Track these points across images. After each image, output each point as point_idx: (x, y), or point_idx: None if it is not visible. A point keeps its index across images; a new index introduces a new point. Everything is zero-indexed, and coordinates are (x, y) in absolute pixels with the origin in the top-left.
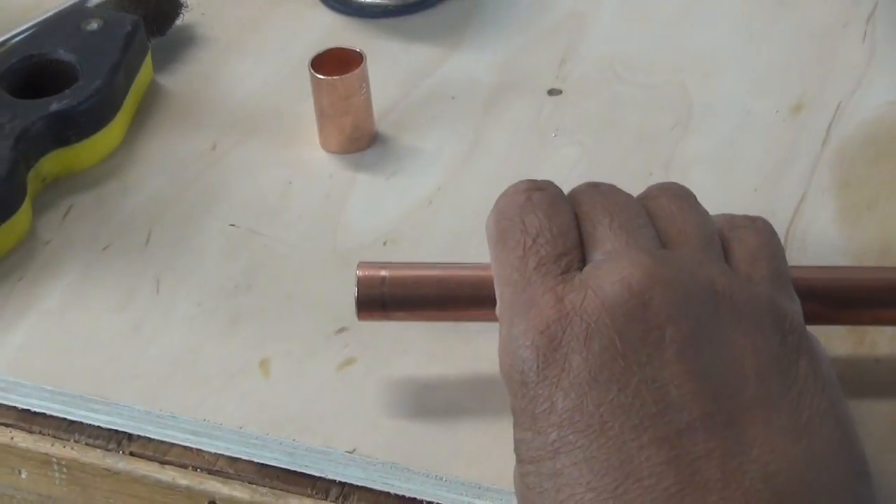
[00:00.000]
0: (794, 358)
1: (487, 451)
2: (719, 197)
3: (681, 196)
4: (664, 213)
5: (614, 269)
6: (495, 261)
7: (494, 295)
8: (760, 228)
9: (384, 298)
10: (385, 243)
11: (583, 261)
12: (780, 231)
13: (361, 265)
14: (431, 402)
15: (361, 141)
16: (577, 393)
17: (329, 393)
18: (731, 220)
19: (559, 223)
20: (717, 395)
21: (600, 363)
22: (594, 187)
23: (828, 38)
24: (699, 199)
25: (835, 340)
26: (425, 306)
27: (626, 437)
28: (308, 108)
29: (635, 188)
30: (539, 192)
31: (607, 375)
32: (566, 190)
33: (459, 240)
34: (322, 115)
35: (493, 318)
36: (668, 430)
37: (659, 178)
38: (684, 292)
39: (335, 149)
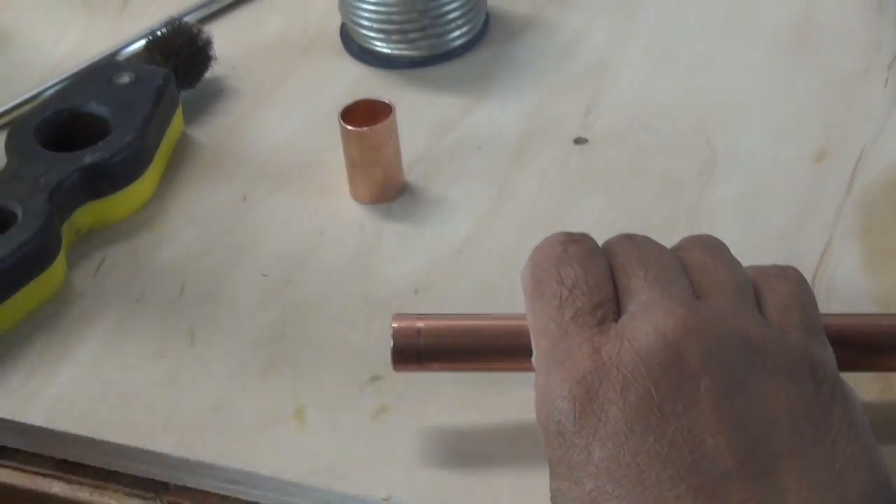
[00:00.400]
0: (829, 406)
1: (522, 500)
2: (745, 244)
3: (714, 248)
4: (698, 265)
5: (649, 319)
6: (531, 312)
7: (530, 345)
8: (791, 277)
9: (420, 349)
10: (416, 292)
11: (618, 312)
12: (807, 277)
13: (397, 317)
14: (465, 450)
15: (391, 191)
16: (615, 443)
17: (363, 441)
18: (763, 269)
19: (595, 275)
20: (752, 444)
21: (637, 413)
22: (629, 239)
23: (850, 85)
24: (727, 244)
25: (863, 385)
26: (461, 357)
27: (662, 487)
28: (338, 159)
29: (663, 236)
30: (575, 244)
31: (644, 425)
32: (600, 240)
33: (490, 288)
34: (352, 166)
35: (529, 369)
36: (704, 480)
37: (685, 225)
38: (719, 342)
39: (365, 199)
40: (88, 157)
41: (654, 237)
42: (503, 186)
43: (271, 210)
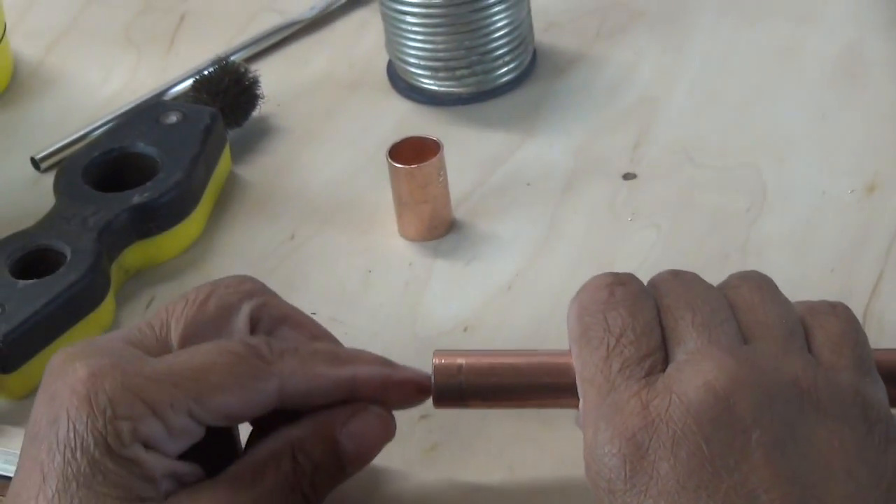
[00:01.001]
0: (882, 448)
1: None
2: (796, 278)
3: (762, 286)
4: (745, 304)
5: (698, 372)
6: (577, 359)
7: (573, 383)
8: (842, 314)
9: (462, 387)
10: (465, 329)
11: (666, 360)
12: (858, 311)
13: (438, 353)
14: (515, 487)
15: (439, 228)
16: (666, 500)
17: (415, 478)
18: (812, 307)
19: (643, 322)
20: (807, 496)
21: (688, 470)
22: (676, 277)
23: None
24: (775, 280)
25: None
26: (503, 395)
27: None
28: (385, 197)
29: (712, 270)
30: (621, 287)
31: (696, 482)
32: (648, 276)
33: (540, 325)
34: (400, 204)
35: (573, 406)
36: None
37: (735, 260)
38: (769, 393)
39: (414, 236)
40: (137, 197)
41: (703, 272)
42: (552, 222)
43: (319, 248)
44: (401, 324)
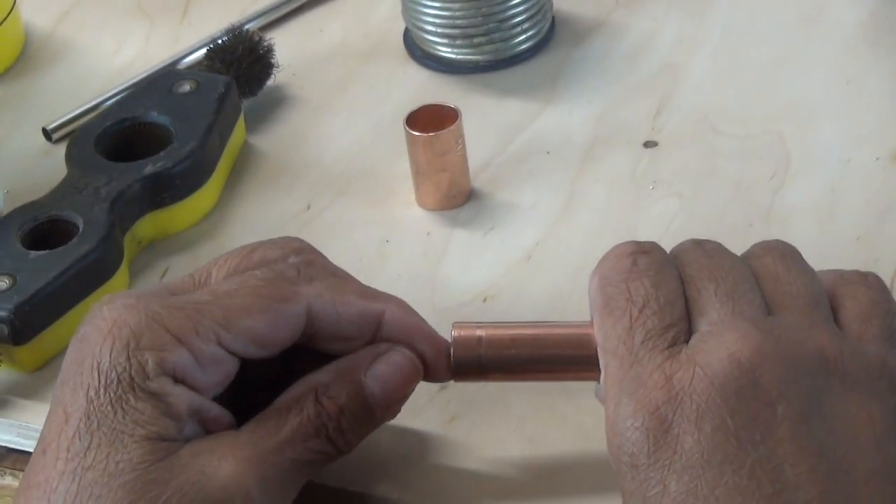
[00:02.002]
0: None
1: None
2: (821, 247)
3: (786, 255)
4: (770, 274)
5: (721, 343)
6: (600, 330)
7: (594, 355)
8: (873, 284)
9: (482, 360)
10: (485, 300)
11: (689, 330)
12: (884, 280)
13: (457, 325)
14: (537, 458)
15: (458, 197)
16: (691, 476)
17: (434, 450)
18: (842, 276)
19: (666, 292)
20: (834, 470)
21: (713, 444)
22: (699, 247)
23: None
24: (800, 249)
25: None
26: (524, 367)
27: None
28: (403, 166)
29: (735, 239)
30: (644, 255)
31: (721, 457)
32: (668, 246)
33: (560, 294)
34: (418, 173)
35: (594, 378)
36: None
37: (759, 229)
38: (794, 365)
39: (431, 206)
40: (150, 167)
41: (726, 242)
42: (572, 191)
43: (336, 218)
44: (419, 294)
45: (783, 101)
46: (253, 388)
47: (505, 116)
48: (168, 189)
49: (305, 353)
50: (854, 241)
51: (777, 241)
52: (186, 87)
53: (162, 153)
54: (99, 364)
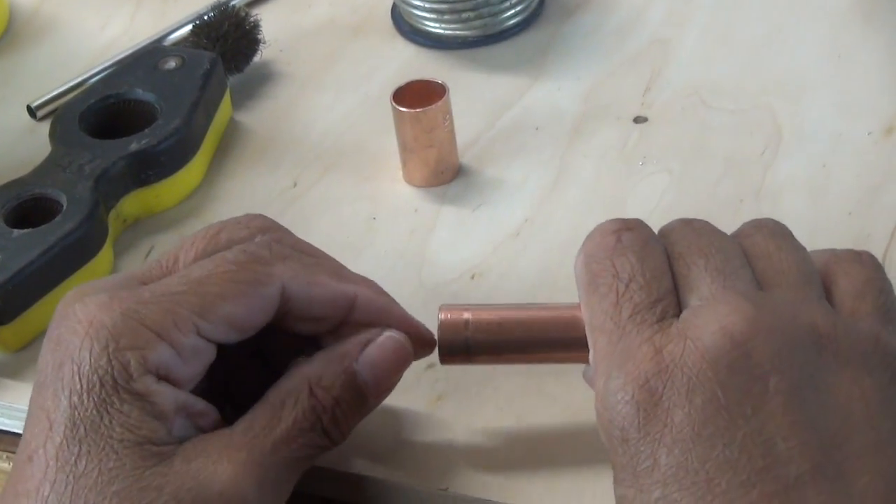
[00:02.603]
0: None
1: (582, 487)
2: (813, 222)
3: (777, 233)
4: (760, 252)
5: (713, 316)
6: (587, 307)
7: (583, 337)
8: (867, 262)
9: (468, 343)
10: (472, 277)
11: (678, 305)
12: (877, 256)
13: (443, 308)
14: (524, 438)
15: (445, 174)
16: (681, 449)
17: (421, 429)
18: (836, 254)
19: (652, 266)
20: (826, 445)
21: (704, 418)
22: (687, 224)
23: None
24: (791, 225)
25: None
26: (512, 350)
27: (733, 495)
28: (390, 142)
29: (726, 215)
30: (629, 232)
31: (711, 430)
32: (656, 225)
33: (549, 271)
34: (405, 149)
35: (582, 360)
36: (777, 486)
37: (750, 204)
38: (787, 339)
39: (419, 182)
40: (134, 144)
41: (717, 218)
42: (561, 167)
43: (322, 195)
44: (406, 271)
45: (774, 75)
46: (225, 370)
47: (493, 92)
48: (153, 166)
49: (274, 332)
50: (846, 216)
51: (768, 219)
52: (172, 63)
53: (147, 130)
54: (79, 368)
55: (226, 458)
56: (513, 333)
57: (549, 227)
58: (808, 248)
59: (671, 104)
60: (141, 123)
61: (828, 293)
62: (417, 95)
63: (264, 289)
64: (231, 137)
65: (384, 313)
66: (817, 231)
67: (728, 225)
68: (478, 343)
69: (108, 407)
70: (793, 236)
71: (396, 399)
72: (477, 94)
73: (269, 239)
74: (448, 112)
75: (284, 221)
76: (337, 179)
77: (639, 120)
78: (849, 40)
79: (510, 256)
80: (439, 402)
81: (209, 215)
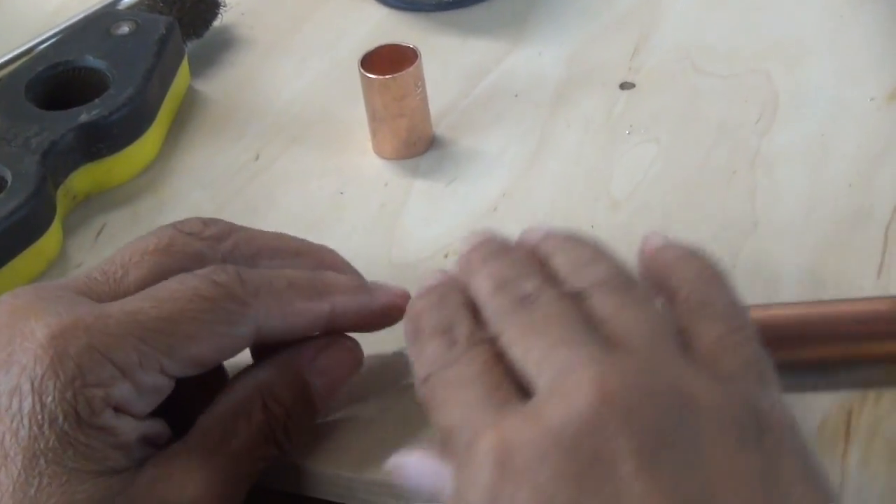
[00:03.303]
0: (775, 459)
1: None
2: (810, 194)
3: (620, 289)
4: (605, 314)
5: (556, 391)
6: (433, 413)
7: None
8: (727, 314)
9: None
10: (446, 255)
11: (520, 389)
12: (878, 230)
13: None
14: None
15: (418, 145)
16: None
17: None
18: (690, 303)
19: (482, 363)
20: None
21: (550, 494)
22: (519, 307)
23: None
24: (789, 196)
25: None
26: None
27: None
28: (359, 112)
29: (718, 187)
30: (450, 332)
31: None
32: (646, 193)
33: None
34: (375, 119)
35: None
36: None
37: (744, 175)
38: (639, 402)
39: (390, 154)
40: (85, 115)
41: (708, 189)
42: (542, 137)
43: (287, 169)
44: (375, 250)
45: (771, 37)
46: None
47: (469, 57)
48: (105, 139)
49: None
50: (846, 187)
51: (609, 270)
52: (125, 28)
53: (98, 100)
54: (41, 399)
55: (188, 481)
56: None
57: (528, 201)
58: (806, 223)
59: (660, 69)
60: (92, 93)
61: (689, 348)
62: (387, 61)
63: (237, 329)
64: (189, 107)
65: (363, 315)
66: (815, 204)
67: (720, 198)
68: None
69: (70, 439)
70: (637, 289)
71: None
72: (452, 60)
73: (237, 270)
74: (420, 79)
75: (245, 197)
76: (302, 152)
77: (625, 86)
78: (851, 1)
79: None
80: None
81: (165, 190)
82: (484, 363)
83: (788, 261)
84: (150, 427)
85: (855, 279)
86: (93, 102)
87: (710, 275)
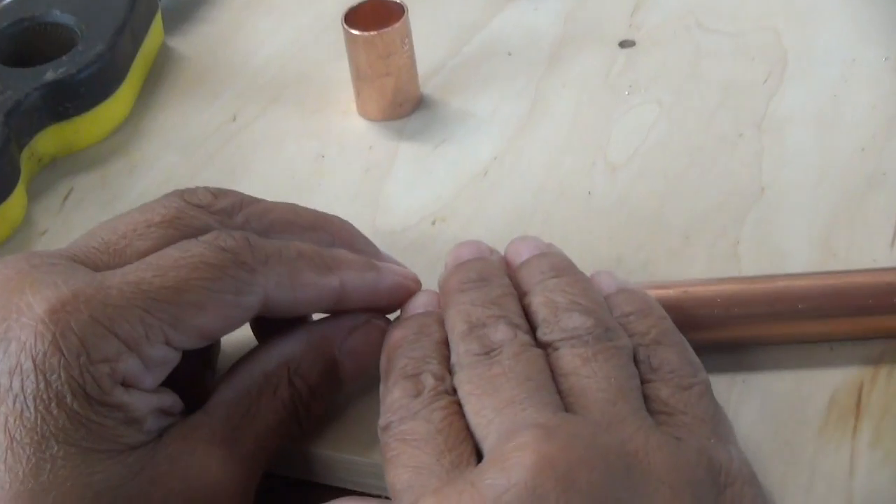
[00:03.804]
0: None
1: None
2: (820, 158)
3: (591, 342)
4: (566, 368)
5: (498, 457)
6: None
7: None
8: (681, 368)
9: None
10: (434, 223)
11: (472, 452)
12: (892, 197)
13: None
14: None
15: (404, 106)
16: None
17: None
18: (649, 359)
19: (439, 422)
20: None
21: None
22: (482, 358)
23: None
24: (798, 161)
25: None
26: None
27: None
28: (342, 71)
29: (723, 151)
30: (418, 396)
31: None
32: (645, 159)
33: (520, 216)
34: (359, 78)
35: None
36: None
37: (750, 139)
38: (580, 465)
39: (374, 116)
40: (51, 73)
41: (712, 153)
42: (536, 98)
43: (265, 130)
44: (359, 217)
45: None
46: None
47: (460, 13)
48: (72, 98)
49: None
50: (858, 151)
51: (579, 318)
52: None
53: (65, 57)
54: (47, 378)
55: (211, 459)
56: None
57: (520, 166)
58: (816, 190)
59: (662, 26)
60: (59, 50)
61: (648, 401)
62: (373, 17)
63: (244, 298)
64: (162, 65)
65: (371, 294)
66: (826, 169)
67: (725, 163)
68: None
69: (83, 419)
70: (609, 336)
71: None
72: (441, 15)
73: (245, 235)
74: (407, 35)
75: (221, 160)
76: (282, 113)
77: (625, 44)
78: None
79: (477, 200)
80: None
81: (136, 153)
82: (443, 419)
83: (797, 229)
84: (162, 400)
85: (867, 249)
86: (60, 59)
87: (660, 330)
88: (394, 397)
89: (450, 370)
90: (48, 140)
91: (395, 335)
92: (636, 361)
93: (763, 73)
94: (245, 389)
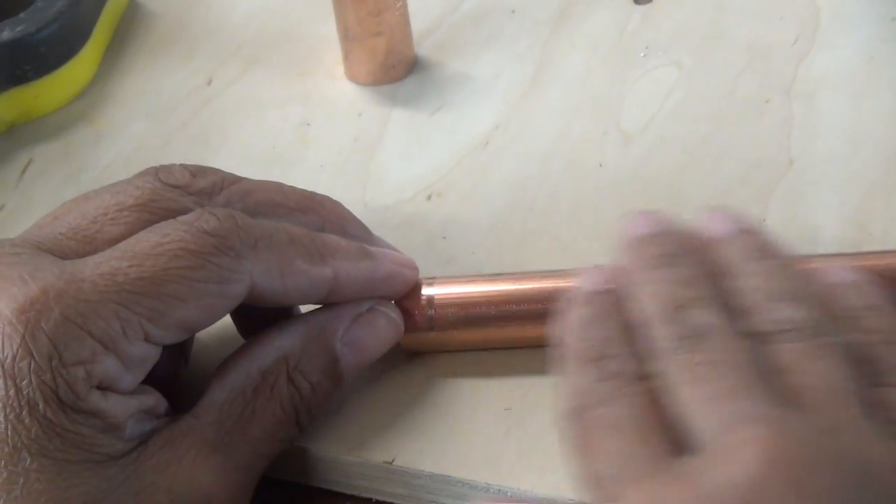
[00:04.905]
0: None
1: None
2: (854, 127)
3: (812, 335)
4: (787, 362)
5: (719, 450)
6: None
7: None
8: None
9: (432, 322)
10: (429, 197)
11: (672, 434)
12: None
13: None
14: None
15: (397, 68)
16: None
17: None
18: (885, 363)
19: (645, 418)
20: None
21: None
22: (687, 343)
23: None
24: (831, 131)
25: None
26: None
27: None
28: (329, 30)
29: (747, 120)
30: (609, 404)
31: None
32: (661, 125)
33: (525, 190)
34: (347, 37)
35: None
36: None
37: (778, 105)
38: (812, 469)
39: (365, 79)
40: (7, 31)
41: (736, 121)
42: (542, 60)
43: (244, 95)
44: (347, 191)
45: None
46: None
47: None
48: (31, 60)
49: None
50: (893, 119)
51: (800, 308)
52: None
53: (23, 14)
54: (16, 384)
55: (200, 466)
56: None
57: (525, 135)
58: (849, 162)
59: None
60: (16, 6)
61: (878, 408)
62: None
63: (229, 287)
64: (129, 24)
65: (366, 285)
66: (860, 139)
67: (750, 132)
68: (443, 323)
69: (56, 428)
70: (830, 330)
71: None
72: None
73: (232, 214)
74: None
75: (195, 127)
76: (262, 76)
77: (641, 0)
78: None
79: (476, 172)
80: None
81: (102, 120)
82: (644, 405)
83: (828, 205)
84: (142, 401)
85: None
86: (17, 17)
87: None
88: (583, 380)
89: (637, 353)
90: (5, 106)
91: (571, 317)
92: (863, 361)
93: (793, 33)
94: (239, 389)
